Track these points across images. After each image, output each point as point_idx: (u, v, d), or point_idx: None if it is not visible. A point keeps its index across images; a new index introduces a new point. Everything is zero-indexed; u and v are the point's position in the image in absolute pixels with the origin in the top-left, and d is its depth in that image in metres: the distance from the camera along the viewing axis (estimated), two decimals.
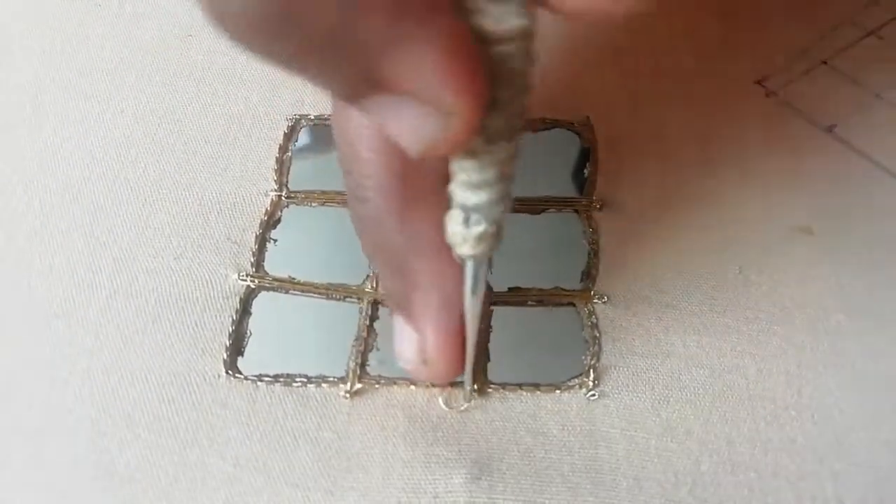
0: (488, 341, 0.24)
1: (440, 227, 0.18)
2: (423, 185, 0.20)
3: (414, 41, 0.13)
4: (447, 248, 0.19)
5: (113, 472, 0.22)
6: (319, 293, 0.26)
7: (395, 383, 0.24)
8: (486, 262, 0.19)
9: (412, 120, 0.15)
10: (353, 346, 0.24)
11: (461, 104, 0.14)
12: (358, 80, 0.14)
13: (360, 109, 0.15)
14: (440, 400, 0.23)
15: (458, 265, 0.19)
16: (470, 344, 0.21)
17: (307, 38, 0.13)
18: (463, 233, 0.17)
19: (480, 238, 0.17)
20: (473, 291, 0.19)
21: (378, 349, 0.24)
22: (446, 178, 0.18)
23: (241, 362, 0.24)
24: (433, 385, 0.23)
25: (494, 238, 0.18)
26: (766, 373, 0.24)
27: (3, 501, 0.22)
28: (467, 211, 0.17)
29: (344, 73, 0.14)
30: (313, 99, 0.30)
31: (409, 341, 0.22)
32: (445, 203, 0.18)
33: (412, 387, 0.24)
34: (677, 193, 0.28)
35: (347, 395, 0.23)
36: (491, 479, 0.22)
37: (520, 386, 0.23)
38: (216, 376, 0.24)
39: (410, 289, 0.21)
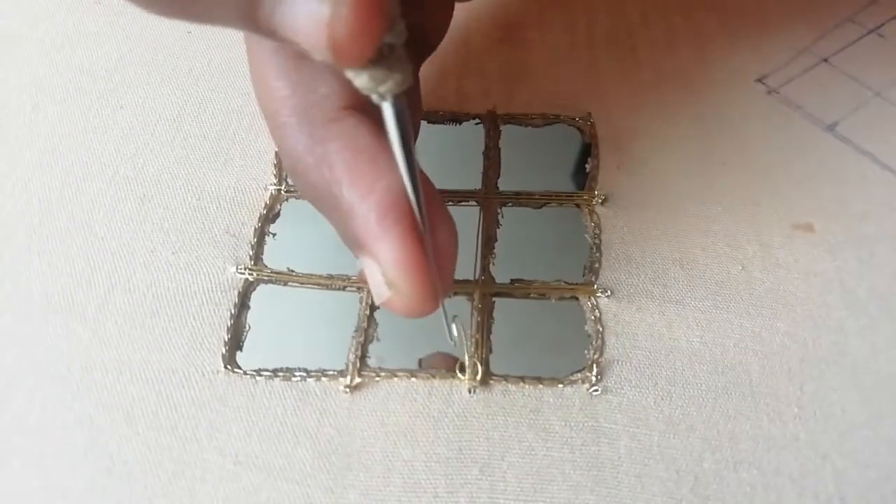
0: (490, 332, 0.24)
1: (351, 147, 0.19)
2: (327, 104, 0.20)
3: None
4: (364, 161, 0.19)
5: (112, 470, 0.22)
6: (319, 284, 0.26)
7: (395, 375, 0.23)
8: (405, 101, 0.17)
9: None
10: (354, 337, 0.24)
11: None
12: None
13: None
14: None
15: (380, 171, 0.19)
16: (417, 214, 0.19)
17: None
18: (373, 71, 0.16)
19: (393, 65, 0.16)
20: (402, 136, 0.17)
21: (378, 339, 0.24)
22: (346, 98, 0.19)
23: (239, 357, 0.24)
24: (412, 312, 0.20)
25: (404, 62, 0.16)
26: (769, 370, 0.24)
27: (3, 500, 0.22)
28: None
29: None
30: None
31: (373, 275, 0.20)
32: (351, 124, 0.19)
33: (413, 379, 0.23)
34: (679, 190, 0.27)
35: (347, 390, 0.23)
36: (492, 478, 0.22)
37: (522, 379, 0.23)
38: (215, 372, 0.23)
39: (350, 219, 0.19)
